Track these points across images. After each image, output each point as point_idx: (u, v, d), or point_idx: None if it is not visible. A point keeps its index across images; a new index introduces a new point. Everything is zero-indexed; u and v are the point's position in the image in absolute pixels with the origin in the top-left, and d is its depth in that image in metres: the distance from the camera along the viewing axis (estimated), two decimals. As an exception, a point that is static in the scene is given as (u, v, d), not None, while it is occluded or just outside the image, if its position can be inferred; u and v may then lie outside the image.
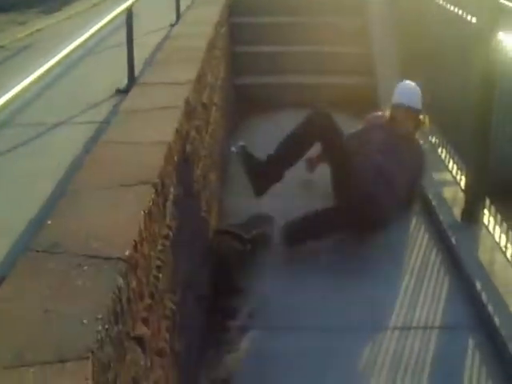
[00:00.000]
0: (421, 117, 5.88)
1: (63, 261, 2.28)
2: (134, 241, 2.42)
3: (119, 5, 5.16)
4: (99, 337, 1.91)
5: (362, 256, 5.18)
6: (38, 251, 2.36)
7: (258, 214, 5.63)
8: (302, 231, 5.26)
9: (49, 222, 2.57)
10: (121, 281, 2.19)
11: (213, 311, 4.66)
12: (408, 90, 5.87)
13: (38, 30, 7.90)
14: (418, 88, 5.87)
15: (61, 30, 7.80)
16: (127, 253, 2.33)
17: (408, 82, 5.99)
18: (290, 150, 5.40)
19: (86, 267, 2.23)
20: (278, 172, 5.35)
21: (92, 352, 1.84)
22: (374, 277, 4.94)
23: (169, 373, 3.13)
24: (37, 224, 2.81)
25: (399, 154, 5.54)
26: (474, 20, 5.26)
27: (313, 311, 4.60)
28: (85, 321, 1.96)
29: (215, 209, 5.52)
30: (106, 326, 1.98)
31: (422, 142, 5.96)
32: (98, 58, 6.08)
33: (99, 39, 5.51)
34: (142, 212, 2.63)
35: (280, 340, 4.34)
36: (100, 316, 1.98)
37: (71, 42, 3.98)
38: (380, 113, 6.15)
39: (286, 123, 7.72)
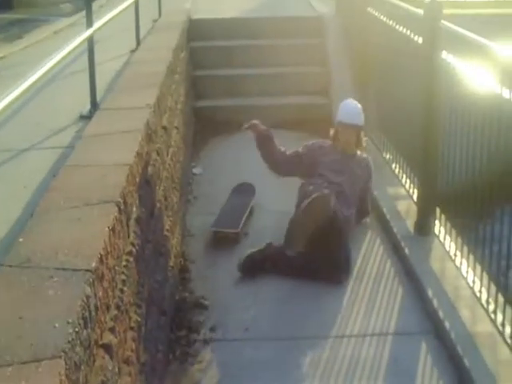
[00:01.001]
0: (362, 133, 6.11)
1: (35, 274, 2.48)
2: (100, 254, 2.62)
3: (78, 32, 5.33)
4: (70, 338, 2.10)
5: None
6: (10, 266, 2.55)
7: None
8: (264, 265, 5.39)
9: (20, 240, 2.76)
10: (88, 290, 2.39)
11: (177, 326, 4.85)
12: (353, 108, 6.08)
13: (0, 58, 8.05)
14: (360, 106, 6.11)
15: (25, 57, 7.98)
16: (93, 265, 2.52)
17: (351, 100, 6.24)
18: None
19: (56, 278, 2.42)
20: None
21: (64, 352, 2.04)
22: (330, 287, 5.16)
23: (136, 380, 3.31)
24: (8, 242, 2.98)
25: (352, 172, 5.81)
26: (420, 40, 5.52)
27: (270, 322, 4.82)
28: (56, 325, 2.15)
29: (178, 228, 5.71)
30: (76, 329, 2.18)
31: (365, 155, 6.17)
32: (61, 85, 6.23)
33: (62, 65, 5.67)
34: (107, 228, 2.83)
35: (240, 351, 4.54)
36: (70, 320, 2.17)
37: (36, 71, 4.14)
38: (319, 140, 6.34)
39: (244, 144, 7.98)
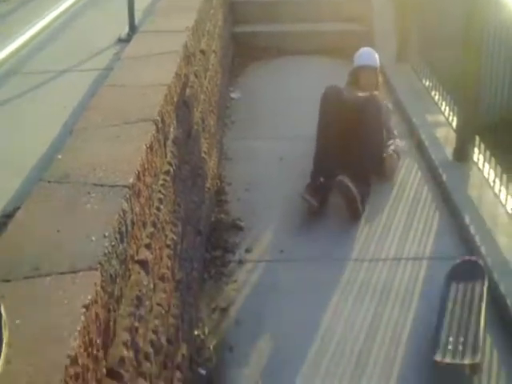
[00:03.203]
0: (379, 74, 6.15)
1: (73, 189, 2.51)
2: (137, 171, 2.65)
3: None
4: (106, 251, 2.14)
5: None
6: (49, 182, 2.59)
7: None
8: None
9: (59, 157, 2.80)
10: (125, 205, 2.42)
11: (212, 246, 4.92)
12: (369, 52, 6.19)
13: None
14: (373, 51, 6.21)
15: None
16: (130, 181, 2.55)
17: (365, 47, 6.30)
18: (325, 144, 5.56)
19: (93, 194, 2.46)
20: (331, 175, 5.33)
21: (100, 264, 2.08)
22: (368, 210, 5.20)
23: (170, 297, 3.37)
24: (48, 159, 3.03)
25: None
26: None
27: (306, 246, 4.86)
28: (93, 238, 2.19)
29: (215, 151, 5.74)
30: (113, 243, 2.21)
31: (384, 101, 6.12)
32: (98, 9, 6.23)
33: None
34: (144, 146, 2.85)
35: (273, 272, 4.61)
36: (107, 234, 2.21)
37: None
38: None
39: (283, 71, 7.95)
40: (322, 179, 5.32)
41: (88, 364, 1.86)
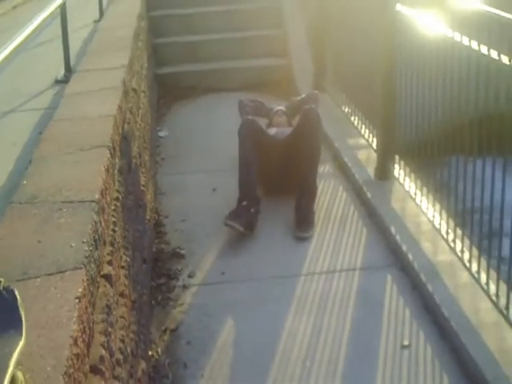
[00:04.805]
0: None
1: (44, 207, 2.76)
2: (101, 188, 2.91)
3: (37, 5, 5.52)
4: (87, 254, 2.40)
5: (286, 209, 5.74)
6: (20, 203, 2.83)
7: None
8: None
9: (24, 182, 3.04)
10: (96, 217, 2.68)
11: (157, 275, 5.15)
12: None
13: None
14: None
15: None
16: (96, 196, 2.81)
17: None
18: (247, 170, 5.74)
19: (65, 210, 2.71)
20: (254, 198, 5.60)
21: (83, 264, 2.33)
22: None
23: (130, 314, 3.60)
24: (8, 190, 3.25)
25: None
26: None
27: (244, 266, 5.15)
28: (73, 244, 2.44)
29: (150, 185, 5.98)
30: (90, 248, 2.47)
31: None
32: (30, 54, 6.43)
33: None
34: (103, 167, 3.11)
35: (217, 293, 4.88)
36: (85, 240, 2.46)
37: (11, 42, 4.35)
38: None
39: (208, 108, 8.27)
40: (244, 203, 5.52)
41: (84, 349, 2.11)
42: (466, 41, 4.15)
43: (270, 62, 8.94)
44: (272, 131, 6.19)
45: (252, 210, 5.50)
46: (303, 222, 5.47)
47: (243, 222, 5.40)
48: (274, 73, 8.43)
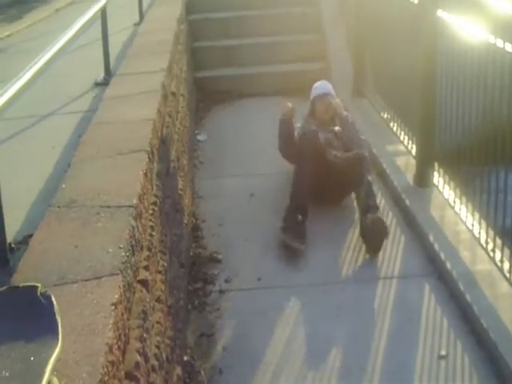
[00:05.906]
0: (334, 101, 6.35)
1: (82, 211, 2.76)
2: (139, 193, 2.91)
3: (78, 9, 5.57)
4: (124, 260, 2.39)
5: (324, 219, 5.71)
6: (59, 207, 2.83)
7: None
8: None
9: (63, 186, 3.04)
10: (133, 222, 2.68)
11: (193, 279, 5.15)
12: (320, 84, 6.49)
13: (8, 36, 8.27)
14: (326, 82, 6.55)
15: (29, 35, 8.20)
16: (134, 201, 2.81)
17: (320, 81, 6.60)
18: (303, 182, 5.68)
19: (102, 214, 2.71)
20: (305, 210, 5.56)
21: (120, 270, 2.32)
22: (339, 236, 5.49)
23: (166, 320, 3.60)
24: (47, 193, 3.27)
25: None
26: (415, 0, 5.79)
27: (281, 272, 5.12)
28: (110, 250, 2.44)
29: (188, 189, 5.98)
30: (127, 254, 2.46)
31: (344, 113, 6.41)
32: (71, 57, 6.47)
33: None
34: (141, 172, 3.11)
35: (253, 299, 4.86)
36: (122, 246, 2.46)
37: (54, 45, 4.38)
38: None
39: (246, 112, 8.27)
40: (300, 217, 5.50)
41: (119, 356, 2.10)
42: (508, 47, 4.10)
43: (307, 67, 8.89)
44: (317, 130, 6.04)
45: (305, 224, 5.50)
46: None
47: (303, 240, 5.39)
48: (311, 77, 8.37)
